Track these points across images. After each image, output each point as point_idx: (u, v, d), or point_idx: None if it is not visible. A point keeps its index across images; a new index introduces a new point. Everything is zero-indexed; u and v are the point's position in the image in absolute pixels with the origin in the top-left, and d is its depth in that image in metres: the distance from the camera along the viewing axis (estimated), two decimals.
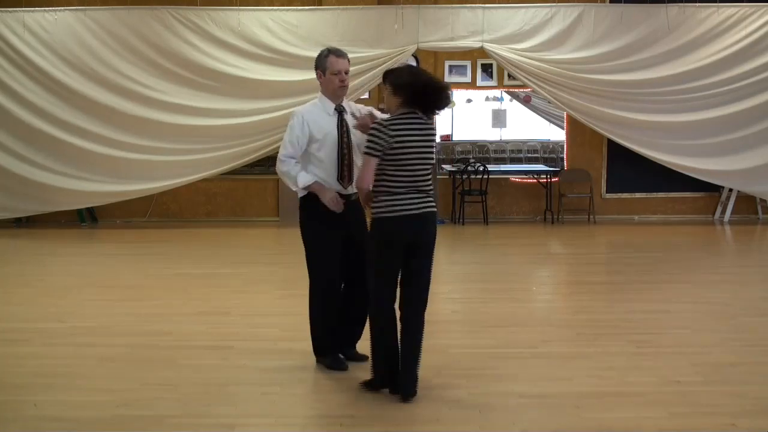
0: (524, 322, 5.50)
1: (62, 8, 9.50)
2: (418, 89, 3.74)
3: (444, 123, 12.36)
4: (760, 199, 10.65)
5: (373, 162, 3.73)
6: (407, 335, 3.87)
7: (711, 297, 6.25)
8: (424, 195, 3.81)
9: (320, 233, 4.23)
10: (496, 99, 12.35)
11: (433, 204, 3.86)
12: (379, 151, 3.70)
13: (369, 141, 3.71)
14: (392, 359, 3.87)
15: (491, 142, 12.81)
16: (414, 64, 4.25)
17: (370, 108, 4.38)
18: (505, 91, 11.92)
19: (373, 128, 3.73)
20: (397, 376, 3.85)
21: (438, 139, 11.42)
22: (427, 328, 5.10)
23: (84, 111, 9.54)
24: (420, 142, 3.75)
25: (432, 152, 3.84)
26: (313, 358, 4.57)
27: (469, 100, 12.05)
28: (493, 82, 10.99)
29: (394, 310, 3.89)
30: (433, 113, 3.87)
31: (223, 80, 9.54)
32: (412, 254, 3.82)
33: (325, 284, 4.25)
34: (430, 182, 3.85)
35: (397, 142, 3.68)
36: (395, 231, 3.77)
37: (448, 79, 10.83)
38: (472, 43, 9.57)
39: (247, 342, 4.97)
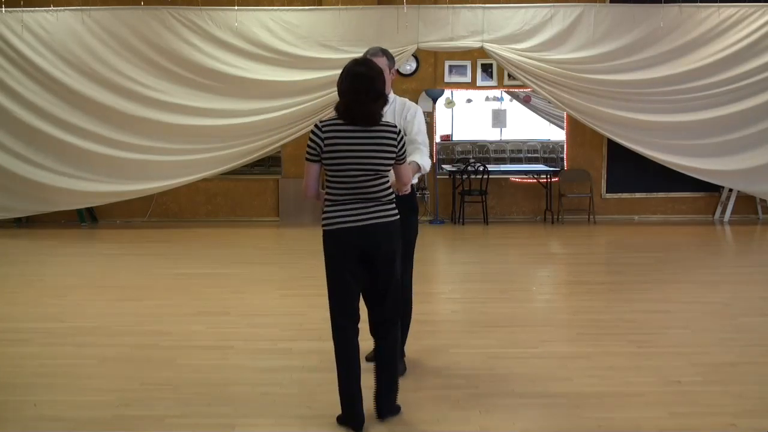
0: (524, 322, 5.50)
1: (62, 8, 9.49)
2: (341, 103, 3.48)
3: (444, 123, 12.36)
4: (760, 199, 10.65)
5: (312, 168, 3.50)
6: (377, 360, 3.68)
7: (711, 297, 6.25)
8: (375, 203, 3.49)
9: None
10: (496, 99, 12.33)
11: (389, 212, 3.53)
12: (315, 155, 3.46)
13: (307, 144, 3.50)
14: (345, 390, 3.57)
15: (491, 142, 12.79)
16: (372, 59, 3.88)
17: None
18: (505, 91, 11.91)
19: (311, 130, 3.51)
20: (352, 410, 3.57)
21: (438, 139, 11.43)
22: (427, 328, 5.14)
23: (84, 111, 9.53)
24: (358, 146, 3.42)
25: (379, 158, 3.45)
26: (312, 358, 4.58)
27: (469, 100, 12.04)
28: (493, 82, 10.99)
29: (349, 331, 3.58)
30: (362, 124, 3.46)
31: (223, 80, 9.53)
32: (369, 270, 3.55)
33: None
34: (383, 189, 3.52)
35: (327, 145, 3.42)
36: (338, 245, 3.50)
37: (448, 79, 10.86)
38: (472, 43, 9.56)
39: (247, 342, 4.97)
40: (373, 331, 3.69)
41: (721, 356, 4.63)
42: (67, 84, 9.46)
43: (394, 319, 3.69)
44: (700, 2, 9.62)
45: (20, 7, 9.45)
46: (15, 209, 9.99)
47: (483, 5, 9.54)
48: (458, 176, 10.62)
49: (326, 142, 3.44)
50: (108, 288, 6.70)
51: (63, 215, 10.42)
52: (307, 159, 3.50)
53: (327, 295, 3.62)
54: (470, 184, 10.57)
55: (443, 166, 11.19)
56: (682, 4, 9.59)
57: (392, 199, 3.59)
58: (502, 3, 9.67)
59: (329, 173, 3.50)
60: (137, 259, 8.24)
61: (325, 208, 3.54)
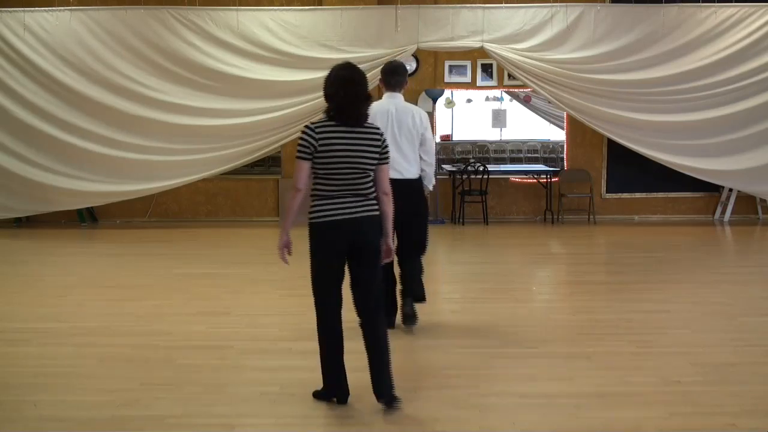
0: (524, 322, 5.50)
1: (62, 8, 9.49)
2: (333, 106, 3.68)
3: (444, 123, 12.37)
4: (760, 199, 10.65)
5: (305, 165, 3.66)
6: (368, 346, 3.79)
7: (711, 297, 6.25)
8: (363, 198, 3.72)
9: None
10: (496, 99, 12.34)
11: (374, 207, 3.76)
12: (308, 154, 3.64)
13: (299, 144, 3.66)
14: (333, 369, 3.80)
15: (491, 142, 12.80)
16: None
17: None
18: (505, 91, 11.92)
19: (302, 131, 3.68)
20: (340, 386, 3.83)
21: (438, 139, 11.43)
22: (428, 328, 5.14)
23: (84, 111, 9.53)
24: (349, 146, 3.64)
25: (366, 157, 3.68)
26: (312, 358, 4.58)
27: (469, 100, 12.04)
28: (493, 82, 10.99)
29: (334, 320, 3.78)
30: (352, 125, 3.69)
31: (223, 80, 9.53)
32: (355, 262, 3.76)
33: None
34: (369, 186, 3.74)
35: (321, 145, 3.61)
36: (327, 235, 3.69)
37: (448, 79, 10.85)
38: (472, 43, 9.56)
39: (247, 342, 4.98)
40: (362, 322, 3.81)
41: (721, 356, 4.63)
42: (67, 84, 9.46)
43: (378, 308, 3.83)
44: (700, 2, 9.62)
45: (21, 7, 9.44)
46: (15, 209, 9.99)
47: (483, 5, 9.54)
48: (458, 176, 10.61)
49: (320, 142, 3.63)
50: (108, 288, 6.70)
51: (63, 215, 10.42)
52: (300, 157, 3.68)
53: (311, 284, 3.80)
54: (470, 184, 10.56)
55: (443, 166, 11.19)
56: (682, 4, 9.59)
57: (375, 195, 3.80)
58: (502, 3, 9.67)
59: (320, 170, 3.67)
60: (137, 259, 8.24)
61: (314, 202, 3.71)
